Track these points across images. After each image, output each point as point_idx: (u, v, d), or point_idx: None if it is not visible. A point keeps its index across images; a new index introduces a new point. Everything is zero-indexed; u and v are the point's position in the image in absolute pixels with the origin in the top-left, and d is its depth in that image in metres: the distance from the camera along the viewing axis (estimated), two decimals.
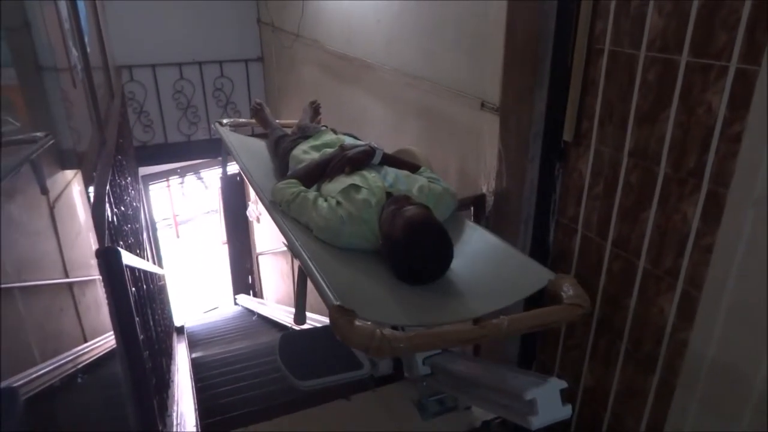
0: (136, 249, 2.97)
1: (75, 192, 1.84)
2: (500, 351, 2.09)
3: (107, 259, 1.51)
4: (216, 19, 5.19)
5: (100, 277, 1.53)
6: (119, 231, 2.18)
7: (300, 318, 1.91)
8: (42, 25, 1.52)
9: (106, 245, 1.55)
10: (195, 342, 5.41)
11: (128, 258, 1.95)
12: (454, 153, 2.31)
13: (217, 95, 5.42)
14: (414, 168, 1.82)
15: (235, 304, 8.16)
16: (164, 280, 5.82)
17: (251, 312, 6.82)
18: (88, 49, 2.53)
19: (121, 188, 2.62)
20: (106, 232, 1.91)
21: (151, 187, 7.60)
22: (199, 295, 9.08)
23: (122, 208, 2.45)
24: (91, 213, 1.77)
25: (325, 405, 2.16)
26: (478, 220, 2.07)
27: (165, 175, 8.76)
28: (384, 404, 2.20)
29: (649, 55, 1.35)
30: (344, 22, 3.28)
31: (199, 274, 9.75)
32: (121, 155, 3.03)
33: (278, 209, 1.74)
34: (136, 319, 1.88)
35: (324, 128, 2.30)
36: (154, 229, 7.26)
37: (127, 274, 1.90)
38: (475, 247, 1.58)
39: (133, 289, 1.93)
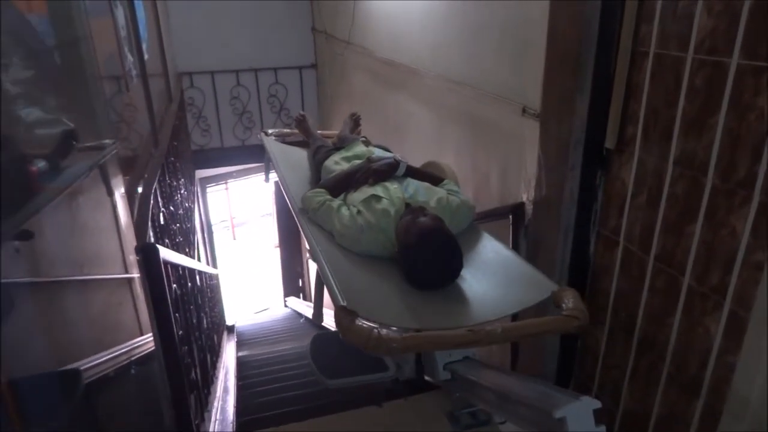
0: (185, 248, 3.08)
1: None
2: (537, 366, 2.01)
3: (145, 255, 1.56)
4: (272, 27, 5.34)
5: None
6: (166, 229, 2.26)
7: (318, 317, 2.04)
8: (89, 39, 1.59)
9: (146, 242, 1.61)
10: (243, 341, 5.55)
11: (170, 255, 2.02)
12: (495, 160, 2.26)
13: (272, 101, 5.57)
14: (437, 180, 1.88)
15: (285, 306, 8.31)
16: (217, 279, 6.02)
17: (299, 315, 6.93)
18: (146, 56, 2.66)
19: (172, 189, 2.73)
20: (150, 229, 2.00)
21: (208, 190, 7.88)
22: (251, 295, 9.31)
23: (171, 208, 2.55)
24: (136, 210, 1.85)
25: (356, 410, 2.15)
26: (516, 229, 2.01)
27: (223, 178, 9.06)
28: (415, 413, 2.17)
29: (696, 57, 1.27)
30: (391, 29, 3.29)
31: (252, 275, 10.00)
32: (175, 157, 3.16)
33: (306, 216, 1.84)
34: (176, 314, 1.94)
35: (363, 139, 2.45)
36: (210, 230, 7.53)
37: (168, 270, 1.97)
38: (487, 258, 1.64)
39: (175, 285, 1.99)
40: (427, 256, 1.45)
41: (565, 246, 1.78)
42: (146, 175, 2.15)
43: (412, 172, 1.88)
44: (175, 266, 2.17)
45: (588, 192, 1.68)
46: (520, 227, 2.00)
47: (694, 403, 1.39)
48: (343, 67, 4.60)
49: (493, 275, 1.56)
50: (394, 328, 1.23)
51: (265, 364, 3.81)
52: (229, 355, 4.54)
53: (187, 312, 2.30)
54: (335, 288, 1.35)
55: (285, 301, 8.35)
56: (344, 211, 1.70)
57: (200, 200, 7.08)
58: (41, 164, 1.37)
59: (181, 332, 1.99)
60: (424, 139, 3.01)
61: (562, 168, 1.70)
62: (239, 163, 6.14)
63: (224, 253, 9.68)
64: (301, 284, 8.48)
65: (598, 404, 1.13)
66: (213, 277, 5.10)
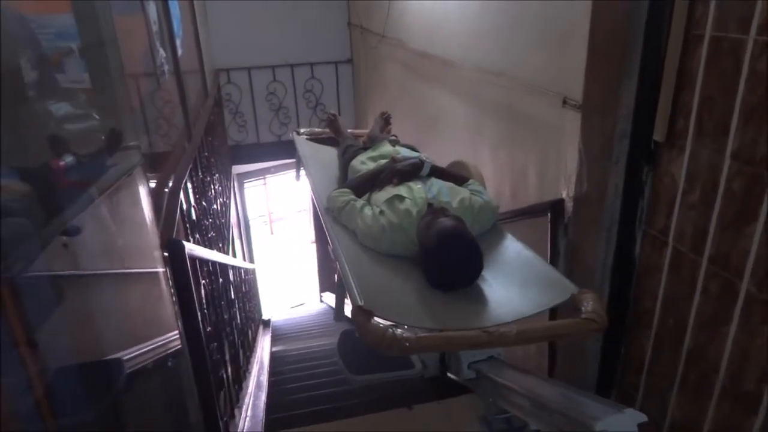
0: (218, 243, 3.08)
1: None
2: (576, 372, 1.91)
3: (171, 251, 1.54)
4: (309, 22, 5.33)
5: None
6: (197, 225, 2.25)
7: (338, 315, 2.12)
8: (113, 40, 1.57)
9: (173, 238, 1.59)
10: (278, 336, 5.58)
11: (199, 251, 2.00)
12: (534, 154, 2.15)
13: (307, 96, 5.56)
14: (461, 180, 1.88)
15: (321, 301, 8.34)
16: (254, 274, 6.08)
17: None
18: (180, 52, 2.66)
19: (205, 184, 2.73)
20: (181, 224, 1.99)
21: (246, 185, 7.97)
22: (288, 290, 9.39)
23: (203, 204, 2.55)
24: (165, 206, 1.84)
25: (386, 412, 2.09)
26: (555, 226, 1.91)
27: (260, 173, 9.16)
28: (446, 416, 2.10)
29: (759, 39, 1.15)
30: (426, 20, 3.20)
31: (289, 270, 10.09)
32: (209, 153, 3.16)
33: (330, 215, 1.88)
34: (204, 310, 1.93)
35: (393, 137, 2.50)
36: (247, 225, 7.61)
37: (197, 266, 1.96)
38: (508, 259, 1.63)
39: (204, 281, 1.97)
40: (446, 257, 1.45)
41: (608, 245, 1.67)
42: (177, 171, 2.14)
43: (437, 172, 1.87)
44: (205, 262, 2.16)
45: (633, 188, 1.56)
46: (559, 225, 1.90)
47: (751, 420, 1.27)
48: (377, 61, 4.54)
49: (513, 276, 1.54)
50: (407, 328, 1.25)
51: (298, 360, 3.80)
52: (264, 349, 4.56)
53: (217, 308, 2.29)
54: (354, 287, 1.37)
55: (321, 296, 8.37)
56: (367, 211, 1.71)
57: (237, 195, 7.17)
58: (69, 159, 1.37)
59: (209, 329, 1.97)
60: (459, 132, 2.92)
61: (606, 162, 1.59)
62: (275, 159, 6.17)
63: (262, 247, 9.79)
64: (336, 279, 8.48)
65: (643, 418, 1.06)
66: (249, 272, 5.14)
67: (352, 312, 1.25)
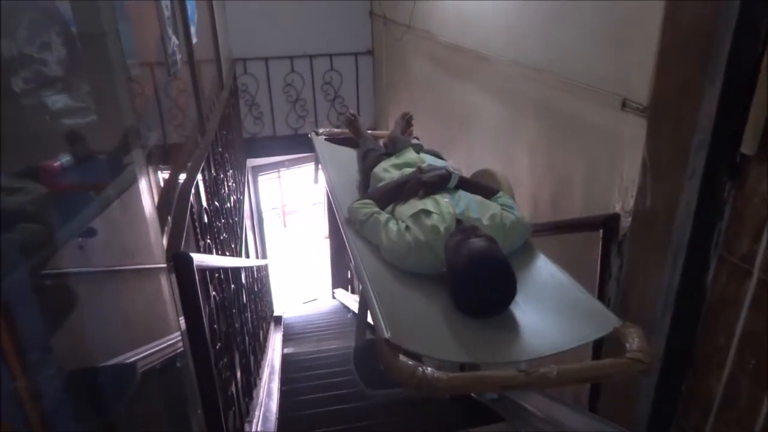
0: (231, 243, 2.91)
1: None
2: (624, 409, 1.71)
3: (178, 265, 1.36)
4: (328, 12, 5.13)
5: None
6: (208, 228, 2.07)
7: (359, 338, 2.01)
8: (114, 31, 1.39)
9: (179, 249, 1.41)
10: (289, 335, 5.43)
11: (210, 260, 1.83)
12: (580, 161, 1.94)
13: (326, 89, 5.37)
14: (490, 193, 1.79)
15: (333, 297, 8.20)
16: (266, 269, 5.93)
17: (347, 309, 6.76)
18: (195, 40, 2.48)
19: (218, 182, 2.55)
20: (191, 229, 1.81)
21: (260, 178, 7.81)
22: (300, 285, 9.26)
23: (216, 203, 2.37)
24: (173, 208, 1.66)
25: None
26: (608, 245, 1.70)
27: (275, 166, 9.01)
28: None
29: None
30: (458, 10, 2.98)
31: (302, 264, 9.95)
32: (223, 147, 2.99)
33: (352, 227, 1.78)
34: (214, 326, 1.76)
35: (415, 139, 2.45)
36: (260, 219, 7.46)
37: (207, 277, 1.78)
38: (542, 282, 1.52)
39: (214, 293, 1.80)
40: (478, 282, 1.36)
41: (673, 270, 1.46)
42: (189, 168, 1.96)
43: (465, 184, 1.78)
44: (216, 270, 1.99)
45: (710, 207, 1.35)
46: (612, 243, 1.69)
47: None
48: (402, 54, 4.33)
49: (547, 302, 1.44)
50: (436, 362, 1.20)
51: (310, 367, 3.63)
52: (275, 350, 4.40)
53: (228, 318, 2.12)
54: (380, 316, 1.28)
55: (333, 292, 8.23)
56: (392, 225, 1.62)
57: (251, 188, 7.01)
58: (65, 159, 1.20)
59: (219, 345, 1.80)
60: (492, 134, 2.71)
61: (677, 176, 1.38)
62: (291, 153, 5.99)
63: (274, 241, 9.66)
64: (349, 276, 8.34)
65: None
66: (261, 269, 4.99)
67: (378, 345, 1.17)
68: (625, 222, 1.65)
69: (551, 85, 2.07)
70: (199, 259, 1.64)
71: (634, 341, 1.19)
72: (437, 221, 1.57)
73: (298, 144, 5.52)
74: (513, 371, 1.13)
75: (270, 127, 5.41)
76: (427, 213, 1.61)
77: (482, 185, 1.84)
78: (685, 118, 1.34)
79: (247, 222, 5.61)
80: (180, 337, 1.56)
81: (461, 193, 1.71)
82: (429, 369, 1.10)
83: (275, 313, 6.06)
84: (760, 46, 1.18)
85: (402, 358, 1.12)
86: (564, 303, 1.42)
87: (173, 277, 1.37)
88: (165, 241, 1.49)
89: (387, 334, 1.18)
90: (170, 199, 1.65)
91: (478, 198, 1.71)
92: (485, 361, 1.28)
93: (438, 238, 1.52)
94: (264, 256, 7.08)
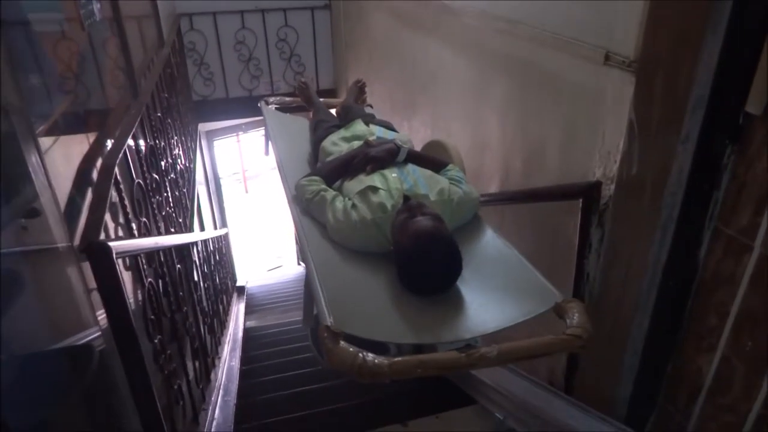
0: (178, 218, 2.67)
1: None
2: (604, 388, 1.60)
3: (94, 257, 1.14)
4: None
5: None
6: (144, 205, 1.83)
7: (307, 320, 1.95)
8: None
9: (97, 238, 1.18)
10: (252, 306, 5.25)
11: (143, 243, 1.60)
12: (556, 123, 1.77)
13: (281, 46, 5.02)
14: (440, 166, 1.76)
15: (299, 264, 8.02)
16: (226, 239, 5.66)
17: None
18: None
19: (157, 151, 2.29)
20: (120, 209, 1.57)
21: (216, 143, 7.43)
22: (264, 251, 9.02)
23: (154, 176, 2.12)
24: (93, 188, 1.42)
25: (377, 430, 1.77)
26: (588, 215, 1.55)
27: (233, 130, 8.59)
28: None
29: None
30: None
31: (266, 230, 9.69)
32: (164, 111, 2.70)
33: (300, 205, 1.73)
34: (151, 317, 1.55)
35: (369, 107, 2.48)
36: (218, 186, 7.13)
37: (141, 263, 1.56)
38: (488, 257, 1.52)
39: (150, 279, 1.58)
40: (422, 261, 1.34)
41: (662, 243, 1.32)
42: (116, 137, 1.71)
43: (414, 158, 1.75)
44: (154, 253, 1.76)
45: (706, 174, 1.20)
46: (592, 213, 1.54)
47: None
48: (360, 7, 4.03)
49: (494, 278, 1.44)
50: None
51: (274, 342, 3.47)
52: (237, 321, 4.22)
53: (173, 304, 1.91)
54: (322, 302, 1.25)
55: (298, 259, 8.04)
56: (339, 203, 1.59)
57: (206, 154, 6.66)
58: None
59: (160, 337, 1.60)
60: (459, 95, 2.51)
61: (670, 138, 1.22)
62: (246, 116, 5.65)
63: (236, 207, 9.34)
64: (304, 279, 8.13)
65: None
66: (220, 239, 4.74)
67: (319, 332, 1.13)
68: (607, 190, 1.50)
69: (523, 38, 1.87)
70: (127, 245, 1.42)
71: (574, 317, 1.19)
72: (384, 198, 1.54)
73: (253, 106, 5.13)
74: (455, 353, 1.12)
75: (222, 88, 5.05)
76: (374, 189, 1.57)
77: (432, 159, 1.81)
78: (681, 73, 1.17)
79: (202, 191, 5.31)
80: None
81: (410, 167, 1.68)
82: (370, 355, 1.07)
83: (238, 283, 5.85)
84: None
85: (342, 344, 1.10)
86: (510, 279, 1.43)
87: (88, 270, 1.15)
88: (81, 228, 1.26)
89: (329, 321, 1.16)
90: (89, 177, 1.41)
91: (428, 172, 1.68)
92: (430, 341, 1.28)
93: (385, 216, 1.50)
94: (224, 225, 6.78)
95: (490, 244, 1.56)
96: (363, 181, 1.63)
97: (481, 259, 1.50)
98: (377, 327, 1.26)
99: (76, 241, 1.22)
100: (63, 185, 1.35)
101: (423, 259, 1.34)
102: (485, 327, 1.27)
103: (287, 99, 3.03)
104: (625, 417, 1.55)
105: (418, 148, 2.12)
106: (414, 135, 3.06)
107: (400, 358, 1.09)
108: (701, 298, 1.30)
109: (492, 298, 1.37)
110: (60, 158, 1.38)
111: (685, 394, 1.38)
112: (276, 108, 2.87)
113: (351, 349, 1.09)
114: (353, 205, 1.56)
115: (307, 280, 1.77)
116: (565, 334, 1.15)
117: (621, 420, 1.54)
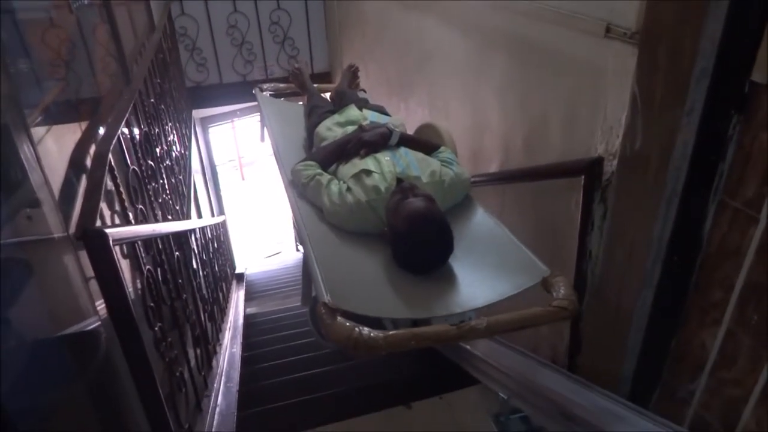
0: (175, 206, 2.64)
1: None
2: (608, 365, 1.60)
3: (91, 244, 1.12)
4: None
5: None
6: (140, 192, 1.81)
7: (306, 299, 2.01)
8: None
9: (90, 227, 1.16)
10: (252, 293, 5.25)
11: (141, 230, 1.58)
12: (557, 100, 1.74)
13: (274, 30, 4.95)
14: (432, 148, 1.81)
15: (297, 250, 8.01)
16: (224, 226, 5.64)
17: None
18: None
19: (151, 138, 2.25)
20: (116, 196, 1.55)
21: (211, 130, 7.36)
22: (262, 238, 9.01)
23: (150, 162, 2.09)
24: (87, 175, 1.39)
25: (382, 412, 1.77)
26: (590, 192, 1.53)
27: (227, 116, 8.51)
28: (451, 414, 1.79)
29: None
30: None
31: (263, 216, 9.66)
32: (157, 97, 2.66)
33: (296, 190, 1.77)
34: (148, 307, 1.53)
35: (363, 91, 2.55)
36: (214, 173, 7.09)
37: (139, 251, 1.54)
38: (480, 236, 1.57)
39: (148, 266, 1.56)
40: (416, 241, 1.40)
41: (666, 218, 1.30)
42: (108, 124, 1.68)
43: (406, 141, 1.79)
44: (152, 240, 1.74)
45: (712, 146, 1.18)
46: (595, 190, 1.52)
47: None
48: None
49: (485, 255, 1.50)
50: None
51: (274, 329, 3.47)
52: (237, 309, 4.22)
53: (172, 292, 1.89)
54: (320, 279, 1.29)
55: (297, 245, 8.03)
56: (334, 187, 1.63)
57: (201, 141, 6.61)
58: None
59: (161, 325, 1.59)
60: (457, 73, 2.48)
61: (674, 111, 1.20)
62: (241, 101, 5.58)
63: (233, 194, 9.29)
64: (302, 260, 8.11)
65: None
66: (218, 226, 4.71)
67: (317, 309, 1.18)
68: (609, 166, 1.48)
69: (524, 13, 1.83)
70: (124, 232, 1.40)
71: (560, 290, 1.25)
72: (378, 181, 1.58)
73: (247, 91, 5.08)
74: (446, 326, 1.16)
75: (216, 74, 5.00)
76: (368, 173, 1.61)
77: (423, 141, 1.85)
78: (685, 43, 1.14)
79: (198, 178, 5.27)
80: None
81: (402, 150, 1.72)
82: (365, 329, 1.11)
83: (237, 271, 5.84)
84: None
85: (340, 319, 1.13)
86: (500, 256, 1.48)
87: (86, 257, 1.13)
88: (76, 216, 1.24)
89: (326, 298, 1.19)
90: (82, 165, 1.38)
91: (420, 155, 1.72)
92: (423, 316, 1.31)
93: (379, 198, 1.54)
94: (221, 212, 6.75)
95: (481, 223, 1.62)
96: (357, 164, 1.66)
97: (472, 238, 1.56)
98: (373, 303, 1.31)
99: (72, 229, 1.20)
100: (56, 174, 1.33)
101: (416, 238, 1.39)
102: (476, 301, 1.33)
103: (281, 86, 3.07)
104: (629, 394, 1.55)
105: (413, 129, 2.11)
106: (411, 116, 3.03)
107: (394, 332, 1.14)
108: (706, 272, 1.28)
109: (483, 274, 1.43)
110: (53, 147, 1.36)
111: (689, 369, 1.38)
112: (270, 94, 2.91)
113: (348, 324, 1.12)
114: (348, 188, 1.60)
115: (305, 262, 1.84)
116: (551, 306, 1.21)
117: (625, 397, 1.53)
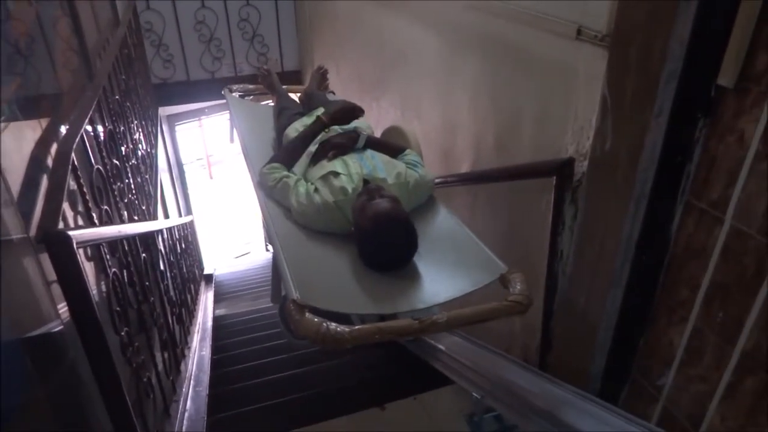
0: (141, 206, 2.57)
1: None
2: (578, 361, 1.62)
3: (53, 248, 1.08)
4: None
5: None
6: (104, 192, 1.75)
7: (275, 297, 2.05)
8: None
9: (53, 229, 1.11)
10: (221, 294, 5.16)
11: (105, 232, 1.53)
12: (528, 99, 1.76)
13: (243, 26, 4.87)
14: (398, 151, 1.86)
15: (267, 250, 7.92)
16: (191, 227, 5.52)
17: None
18: None
19: (116, 136, 2.18)
20: (80, 197, 1.49)
21: (178, 128, 7.20)
22: (231, 238, 8.87)
23: (114, 162, 2.02)
24: (48, 175, 1.34)
25: (355, 414, 1.75)
26: (561, 192, 1.55)
27: (195, 114, 8.34)
28: (425, 414, 1.79)
29: None
30: None
31: (232, 216, 9.52)
32: (122, 94, 2.58)
33: (264, 191, 1.79)
34: (113, 312, 1.48)
35: (332, 94, 2.57)
36: (182, 172, 6.94)
37: (104, 252, 1.49)
38: (442, 234, 1.63)
39: (114, 269, 1.51)
40: (381, 240, 1.44)
41: (635, 218, 1.33)
42: (71, 121, 1.61)
43: (373, 144, 1.84)
44: (117, 242, 1.69)
45: (678, 148, 1.21)
46: (566, 190, 1.54)
47: None
48: None
49: (447, 254, 1.56)
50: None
51: (244, 331, 3.42)
52: (206, 310, 4.13)
53: (139, 294, 1.84)
54: (289, 278, 1.32)
55: (266, 245, 7.93)
56: (301, 188, 1.66)
57: (168, 139, 6.46)
58: None
59: (127, 329, 1.54)
60: (429, 73, 2.48)
61: (643, 113, 1.22)
62: (209, 99, 5.48)
63: (200, 193, 9.12)
64: (272, 259, 8.02)
65: None
66: (186, 227, 4.61)
67: (287, 305, 1.22)
68: (580, 167, 1.51)
69: (497, 14, 1.84)
70: (89, 234, 1.35)
71: (516, 285, 1.32)
72: (345, 182, 1.61)
73: (216, 89, 4.99)
74: (409, 320, 1.20)
75: (183, 70, 4.88)
76: (336, 174, 1.65)
77: (390, 144, 1.90)
78: (654, 46, 1.16)
79: (165, 177, 5.15)
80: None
81: (369, 152, 1.76)
82: (332, 324, 1.15)
83: (206, 271, 5.73)
84: None
85: (308, 315, 1.17)
86: (461, 254, 1.54)
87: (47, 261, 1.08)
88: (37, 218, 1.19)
89: (295, 295, 1.23)
90: (43, 164, 1.33)
91: (386, 157, 1.76)
92: (388, 311, 1.35)
93: (346, 199, 1.57)
94: (188, 212, 6.62)
95: (444, 222, 1.68)
96: (325, 166, 1.70)
97: (435, 237, 1.62)
98: (340, 300, 1.35)
99: (32, 231, 1.15)
100: (15, 174, 1.27)
101: (381, 238, 1.43)
102: (438, 297, 1.38)
103: (251, 86, 3.07)
104: (599, 391, 1.57)
105: (382, 129, 2.13)
106: (383, 115, 3.02)
107: (360, 326, 1.18)
108: (673, 271, 1.32)
109: (445, 272, 1.49)
110: (11, 144, 1.30)
111: (657, 366, 1.41)
112: (240, 95, 2.90)
113: (316, 320, 1.16)
114: (316, 189, 1.63)
115: (275, 261, 1.88)
116: (507, 301, 1.27)
117: (595, 393, 1.56)
